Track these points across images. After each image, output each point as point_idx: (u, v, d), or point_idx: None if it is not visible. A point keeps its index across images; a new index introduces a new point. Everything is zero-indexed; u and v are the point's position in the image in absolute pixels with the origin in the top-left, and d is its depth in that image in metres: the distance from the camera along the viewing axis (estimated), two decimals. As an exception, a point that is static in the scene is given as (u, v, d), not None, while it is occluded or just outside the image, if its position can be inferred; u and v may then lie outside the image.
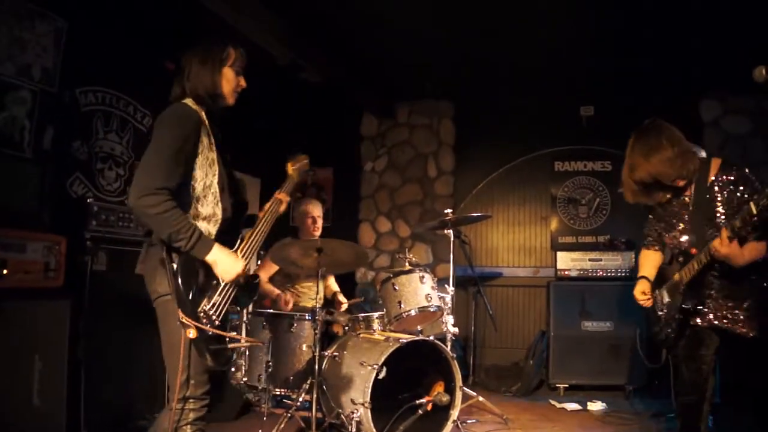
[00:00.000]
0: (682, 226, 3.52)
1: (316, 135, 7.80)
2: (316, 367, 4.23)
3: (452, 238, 5.72)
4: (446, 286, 5.33)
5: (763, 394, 3.53)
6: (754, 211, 2.90)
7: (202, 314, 2.68)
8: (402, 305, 4.70)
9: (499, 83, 7.20)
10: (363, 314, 5.07)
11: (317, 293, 4.45)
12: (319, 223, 5.67)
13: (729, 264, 3.16)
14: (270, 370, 4.70)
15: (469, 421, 5.14)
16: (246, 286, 2.98)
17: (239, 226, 3.09)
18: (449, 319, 5.17)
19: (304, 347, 4.76)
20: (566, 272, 6.87)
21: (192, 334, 2.59)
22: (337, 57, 6.38)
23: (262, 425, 4.53)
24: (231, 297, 2.86)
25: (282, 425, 4.34)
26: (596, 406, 5.84)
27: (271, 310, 5.08)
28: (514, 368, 7.13)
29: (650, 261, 3.86)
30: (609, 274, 6.76)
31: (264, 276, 5.48)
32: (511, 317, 7.66)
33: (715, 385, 4.05)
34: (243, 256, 2.93)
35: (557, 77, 6.85)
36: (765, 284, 3.35)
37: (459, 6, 5.33)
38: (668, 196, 3.56)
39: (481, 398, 5.36)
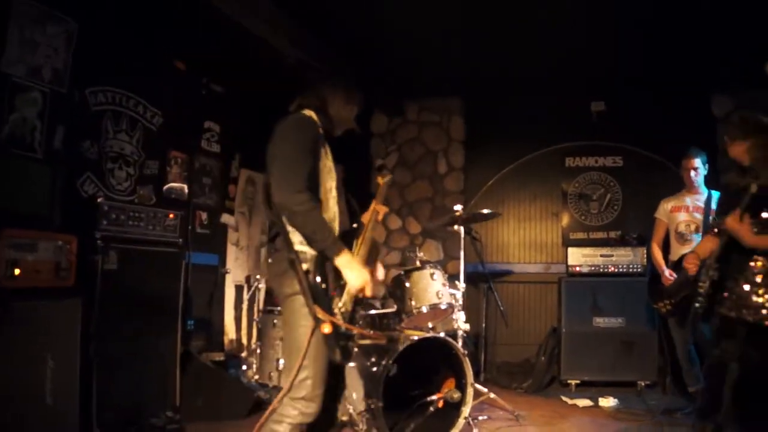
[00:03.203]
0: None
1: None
2: (327, 364, 4.23)
3: (463, 235, 5.71)
4: (457, 282, 5.31)
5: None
6: (754, 190, 3.34)
7: (337, 311, 2.83)
8: (413, 302, 4.70)
9: (508, 79, 7.17)
10: (374, 311, 5.07)
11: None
12: None
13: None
14: (281, 368, 4.71)
15: (480, 418, 5.12)
16: None
17: (351, 234, 3.22)
18: (460, 316, 5.16)
19: (315, 345, 4.75)
20: (577, 268, 6.83)
21: (327, 329, 2.70)
22: (346, 55, 6.36)
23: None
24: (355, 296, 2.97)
25: (293, 423, 4.34)
26: (608, 402, 5.82)
27: (281, 308, 5.09)
28: (525, 365, 7.13)
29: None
30: (620, 270, 6.71)
31: None
32: (522, 313, 7.64)
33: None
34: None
35: (567, 73, 6.81)
36: None
37: (468, 5, 5.31)
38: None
39: (492, 395, 5.36)
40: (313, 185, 2.90)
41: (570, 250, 6.98)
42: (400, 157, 8.14)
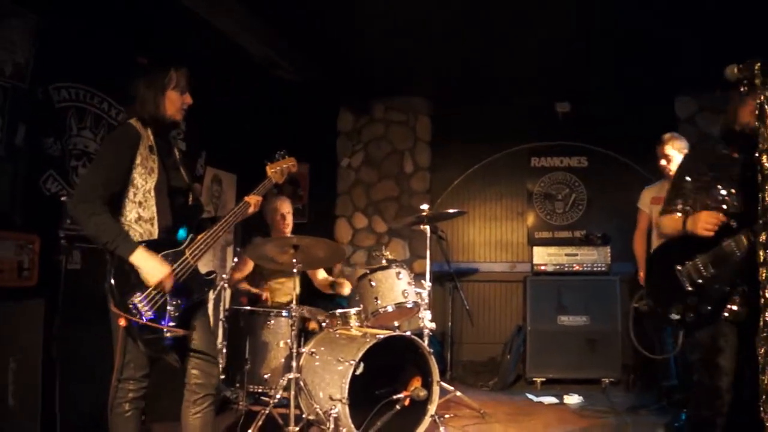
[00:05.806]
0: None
1: (292, 130, 7.76)
2: (294, 363, 4.23)
3: (429, 234, 5.72)
4: (423, 281, 5.33)
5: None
6: None
7: (131, 306, 2.98)
8: (379, 301, 4.70)
9: (475, 80, 7.19)
10: (340, 310, 5.06)
11: (294, 288, 4.43)
12: (289, 219, 5.59)
13: None
14: (247, 367, 4.69)
15: (446, 416, 5.14)
16: (193, 281, 3.22)
17: (189, 225, 3.31)
18: (426, 315, 5.18)
19: (281, 344, 4.75)
20: (543, 267, 6.90)
21: (122, 322, 2.94)
22: (313, 54, 6.34)
23: (240, 423, 4.51)
24: (172, 291, 3.09)
25: (260, 422, 4.32)
26: (573, 399, 5.89)
27: (248, 307, 5.07)
28: (491, 363, 7.17)
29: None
30: (585, 269, 6.80)
31: (239, 275, 5.47)
32: (488, 312, 7.69)
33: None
34: (192, 255, 3.19)
35: (533, 74, 6.85)
36: None
37: (435, 5, 5.32)
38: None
39: (458, 393, 5.37)
40: (115, 190, 3.05)
41: (535, 249, 7.05)
42: (366, 155, 8.14)
